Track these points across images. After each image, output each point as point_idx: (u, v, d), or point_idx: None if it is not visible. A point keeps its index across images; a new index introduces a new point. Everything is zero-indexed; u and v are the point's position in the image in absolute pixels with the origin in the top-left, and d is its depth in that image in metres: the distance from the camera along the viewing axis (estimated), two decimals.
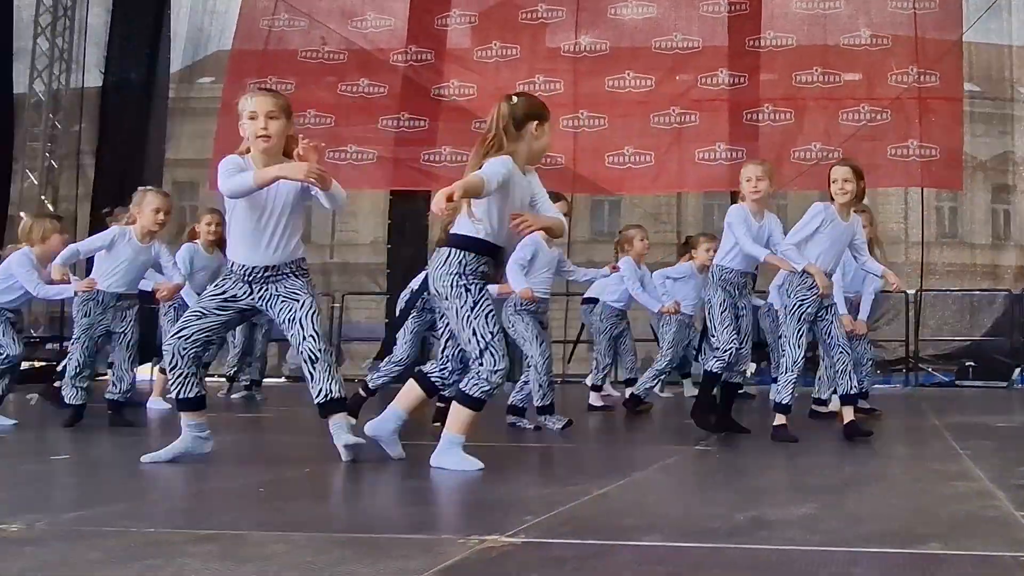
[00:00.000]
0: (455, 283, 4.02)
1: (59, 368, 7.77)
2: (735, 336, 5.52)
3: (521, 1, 13.22)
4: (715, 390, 5.64)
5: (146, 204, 6.01)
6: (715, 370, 5.58)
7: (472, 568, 2.31)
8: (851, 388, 5.38)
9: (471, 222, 4.02)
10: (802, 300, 5.32)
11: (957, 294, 13.08)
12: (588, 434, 6.28)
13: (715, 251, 7.33)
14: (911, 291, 12.14)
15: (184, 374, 4.13)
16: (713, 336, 5.58)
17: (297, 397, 9.18)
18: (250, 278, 4.21)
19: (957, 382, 11.78)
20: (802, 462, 4.64)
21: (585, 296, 8.54)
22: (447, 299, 4.05)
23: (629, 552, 2.52)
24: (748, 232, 5.47)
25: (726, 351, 5.48)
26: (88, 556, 2.41)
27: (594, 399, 7.81)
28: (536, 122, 4.18)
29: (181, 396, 4.19)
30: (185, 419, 4.22)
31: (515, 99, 4.23)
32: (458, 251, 4.05)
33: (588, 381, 8.18)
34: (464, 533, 2.62)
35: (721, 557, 2.46)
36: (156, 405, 7.41)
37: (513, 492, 3.50)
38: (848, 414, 5.36)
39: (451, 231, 4.12)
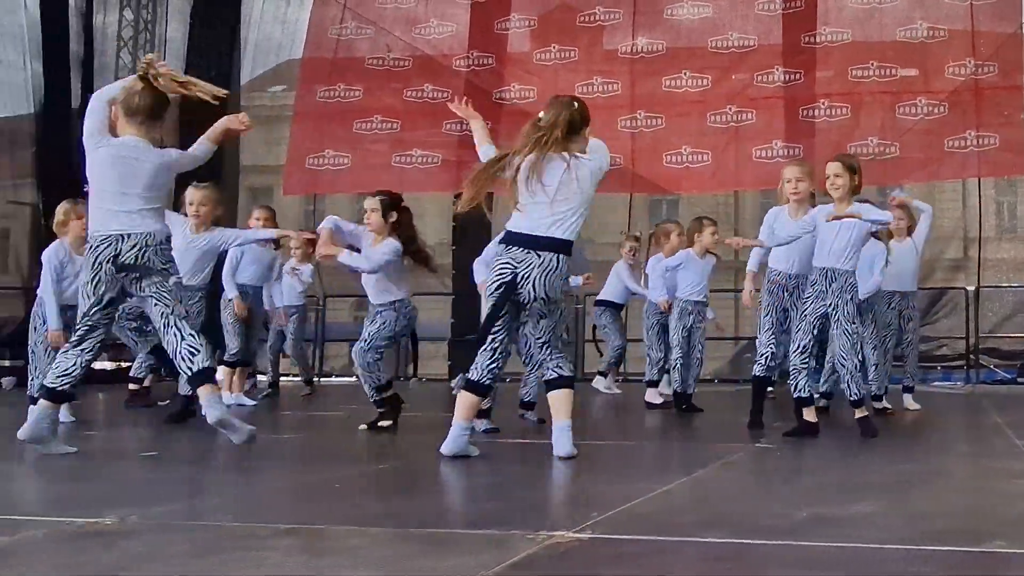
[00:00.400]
0: (561, 287, 4.34)
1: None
2: (773, 340, 5.53)
3: (579, 4, 13.18)
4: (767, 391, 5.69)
5: (185, 198, 6.19)
6: (757, 374, 5.65)
7: (541, 563, 2.32)
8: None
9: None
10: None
11: (1017, 289, 12.78)
12: (649, 432, 6.26)
13: (718, 234, 7.54)
14: (970, 288, 11.91)
15: None
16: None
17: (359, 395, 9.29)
18: None
19: (1019, 379, 11.49)
20: (862, 459, 4.57)
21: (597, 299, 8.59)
22: (555, 303, 4.36)
23: (693, 549, 2.51)
24: (770, 230, 5.55)
25: (762, 354, 5.55)
26: (177, 548, 2.47)
27: (651, 396, 7.73)
28: (588, 127, 4.51)
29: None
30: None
31: (575, 104, 4.48)
32: (565, 257, 4.27)
33: (645, 378, 8.12)
34: (532, 529, 2.62)
35: (783, 554, 2.45)
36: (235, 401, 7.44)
37: (578, 489, 3.51)
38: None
39: (555, 235, 4.30)
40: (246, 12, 13.94)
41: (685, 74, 12.69)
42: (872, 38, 12.41)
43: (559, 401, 4.22)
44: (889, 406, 6.79)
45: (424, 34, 13.36)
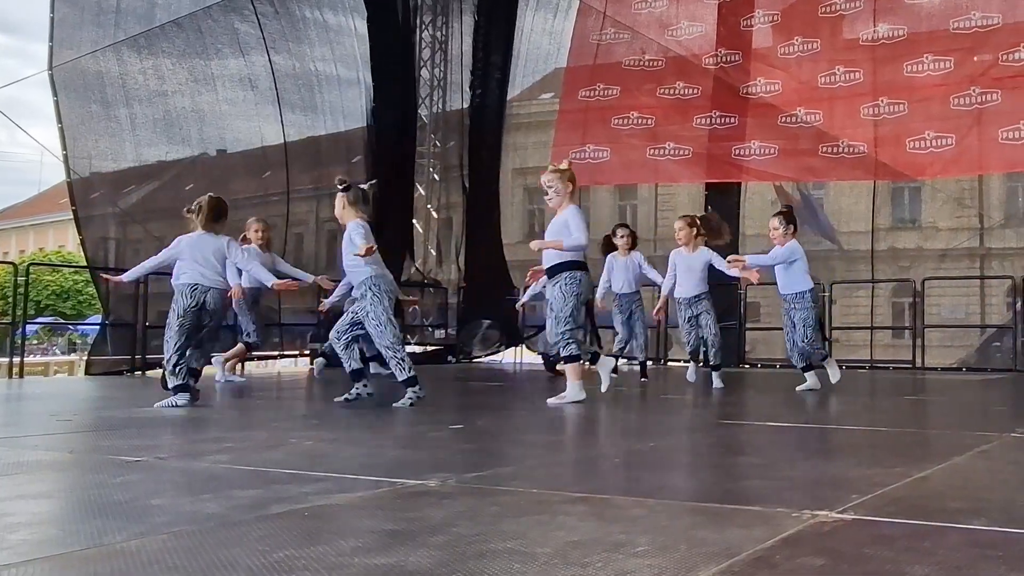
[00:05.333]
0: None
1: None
2: None
3: None
4: None
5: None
6: None
7: (809, 540, 2.27)
8: None
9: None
10: None
11: None
12: (899, 419, 5.92)
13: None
14: None
15: None
16: None
17: (630, 377, 9.34)
18: None
19: None
20: None
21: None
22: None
23: (957, 535, 2.37)
24: None
25: None
26: (489, 510, 2.60)
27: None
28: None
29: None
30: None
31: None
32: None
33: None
34: (797, 507, 2.57)
35: None
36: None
37: (836, 471, 3.38)
38: None
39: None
40: (518, 26, 14.29)
41: (927, 58, 11.81)
42: None
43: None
44: None
45: (676, 35, 13.19)
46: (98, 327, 11.82)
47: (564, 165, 6.10)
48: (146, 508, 2.60)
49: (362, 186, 6.18)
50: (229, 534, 2.27)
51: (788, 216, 7.11)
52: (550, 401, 5.91)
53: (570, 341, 5.86)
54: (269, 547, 2.12)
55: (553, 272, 5.93)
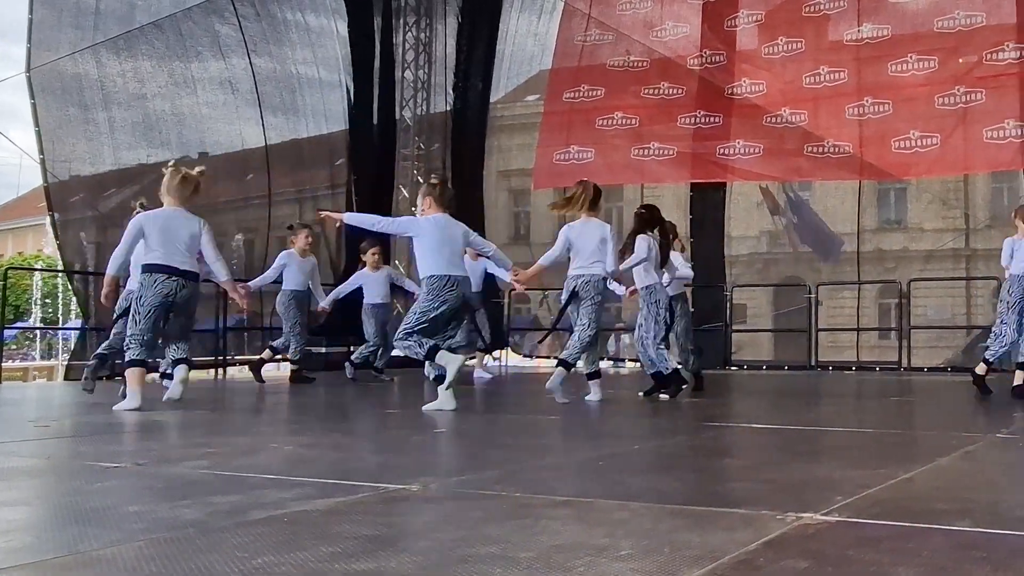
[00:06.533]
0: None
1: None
2: None
3: None
4: None
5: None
6: None
7: (793, 543, 2.28)
8: None
9: None
10: None
11: None
12: (884, 419, 5.96)
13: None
14: None
15: None
16: None
17: (619, 381, 9.38)
18: None
19: None
20: None
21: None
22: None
23: (942, 536, 2.38)
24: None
25: None
26: (472, 515, 2.59)
27: None
28: None
29: None
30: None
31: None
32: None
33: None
34: (781, 510, 2.58)
35: None
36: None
37: (821, 473, 3.39)
38: None
39: None
40: (503, 28, 14.29)
41: (911, 57, 11.88)
42: None
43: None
44: None
45: (660, 36, 13.24)
46: (78, 331, 11.75)
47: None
48: (123, 515, 2.58)
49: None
50: (207, 541, 2.25)
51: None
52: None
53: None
54: (248, 554, 2.11)
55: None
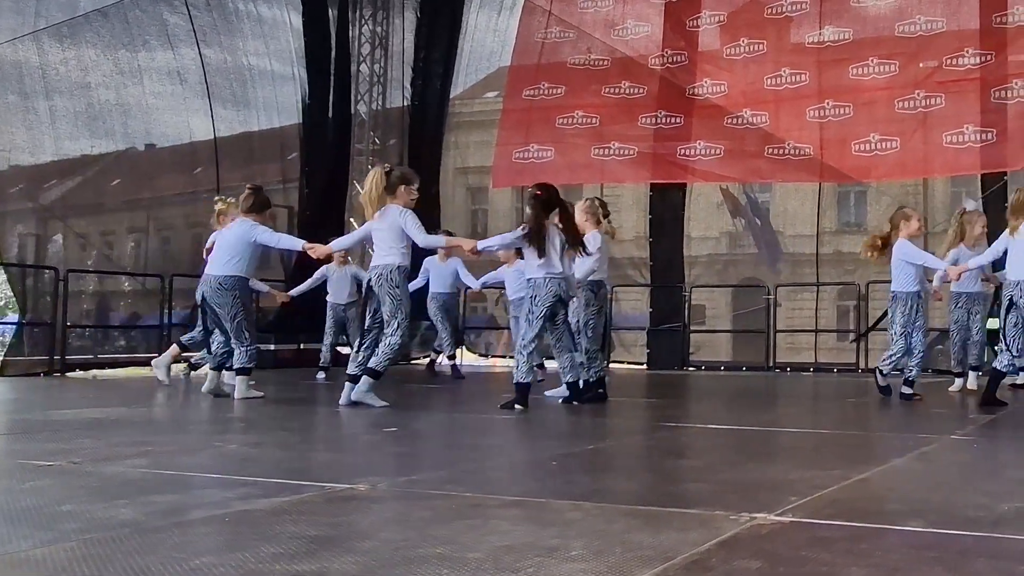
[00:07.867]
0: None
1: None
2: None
3: None
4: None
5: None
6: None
7: (746, 543, 2.29)
8: None
9: None
10: None
11: None
12: (840, 420, 6.03)
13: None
14: None
15: None
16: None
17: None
18: None
19: None
20: None
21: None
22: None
23: (895, 536, 2.41)
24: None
25: None
26: (419, 515, 2.57)
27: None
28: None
29: None
30: None
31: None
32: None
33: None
34: (735, 510, 2.60)
35: (988, 546, 2.31)
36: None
37: (776, 474, 3.42)
38: None
39: None
40: (463, 23, 14.23)
41: (872, 61, 12.05)
42: None
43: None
44: None
45: (621, 35, 13.28)
46: (14, 326, 11.51)
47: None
48: (56, 514, 2.51)
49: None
50: (143, 541, 2.21)
51: None
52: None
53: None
54: (186, 554, 2.07)
55: None
